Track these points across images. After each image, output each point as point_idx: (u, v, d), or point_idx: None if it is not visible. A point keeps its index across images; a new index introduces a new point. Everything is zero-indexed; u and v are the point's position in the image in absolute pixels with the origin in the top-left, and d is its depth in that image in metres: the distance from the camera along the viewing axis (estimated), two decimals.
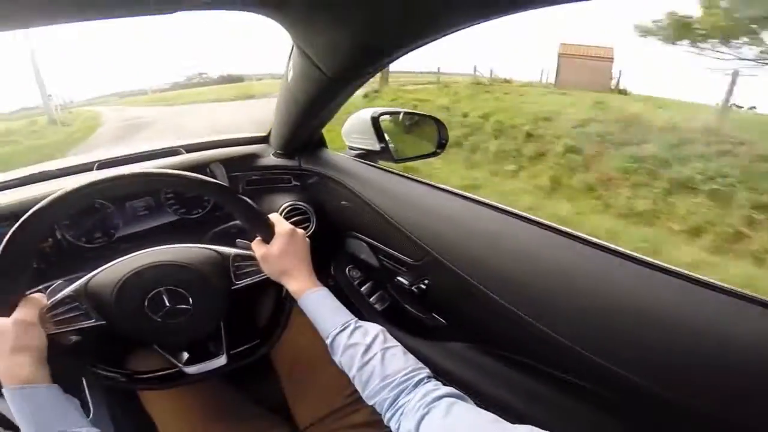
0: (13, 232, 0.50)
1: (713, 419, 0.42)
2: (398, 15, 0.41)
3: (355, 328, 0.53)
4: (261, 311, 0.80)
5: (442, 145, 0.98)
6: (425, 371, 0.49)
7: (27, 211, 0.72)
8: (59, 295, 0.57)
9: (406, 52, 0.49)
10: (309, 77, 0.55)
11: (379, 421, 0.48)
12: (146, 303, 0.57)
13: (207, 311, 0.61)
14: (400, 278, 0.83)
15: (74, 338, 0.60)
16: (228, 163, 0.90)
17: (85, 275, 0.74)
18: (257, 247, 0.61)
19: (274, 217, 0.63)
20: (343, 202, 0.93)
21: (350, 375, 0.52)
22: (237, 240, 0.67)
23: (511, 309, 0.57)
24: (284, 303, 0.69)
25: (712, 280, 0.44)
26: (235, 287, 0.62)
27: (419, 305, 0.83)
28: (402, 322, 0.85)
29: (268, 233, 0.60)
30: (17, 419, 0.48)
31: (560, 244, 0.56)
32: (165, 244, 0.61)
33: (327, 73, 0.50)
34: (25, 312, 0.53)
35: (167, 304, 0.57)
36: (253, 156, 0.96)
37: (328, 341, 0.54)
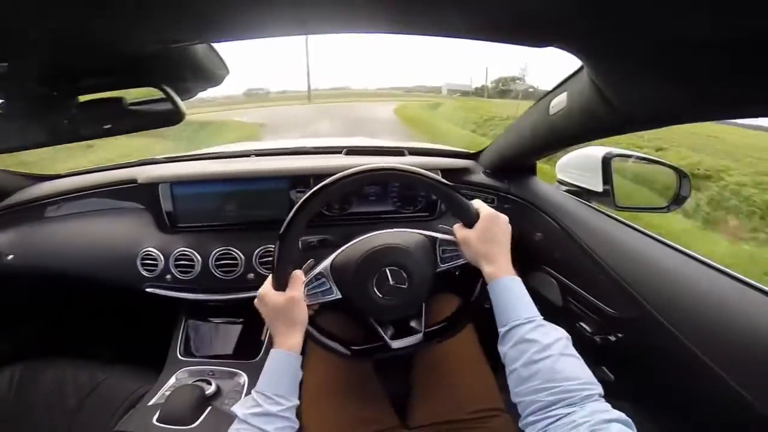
0: (312, 194, 0.56)
1: None
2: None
3: (539, 326, 0.51)
4: (454, 296, 0.84)
5: (679, 200, 0.85)
6: (598, 389, 0.45)
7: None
8: (314, 272, 0.63)
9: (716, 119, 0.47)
10: (589, 111, 0.57)
11: None
12: (375, 280, 0.63)
13: (418, 291, 0.65)
14: (582, 324, 0.79)
15: (312, 312, 0.65)
16: (443, 172, 1.01)
17: (318, 240, 0.92)
18: (459, 231, 0.63)
19: (477, 203, 0.63)
20: (538, 234, 0.92)
21: (509, 368, 0.50)
22: (439, 225, 0.70)
23: (733, 388, 0.52)
24: (477, 291, 0.69)
25: None
26: (438, 270, 0.66)
27: (590, 355, 0.77)
28: None
29: (470, 217, 0.61)
30: (264, 371, 0.54)
31: None
32: (382, 229, 0.68)
33: (619, 112, 0.50)
34: (295, 289, 0.58)
35: (390, 282, 0.63)
36: (465, 170, 1.05)
37: (503, 329, 0.53)
